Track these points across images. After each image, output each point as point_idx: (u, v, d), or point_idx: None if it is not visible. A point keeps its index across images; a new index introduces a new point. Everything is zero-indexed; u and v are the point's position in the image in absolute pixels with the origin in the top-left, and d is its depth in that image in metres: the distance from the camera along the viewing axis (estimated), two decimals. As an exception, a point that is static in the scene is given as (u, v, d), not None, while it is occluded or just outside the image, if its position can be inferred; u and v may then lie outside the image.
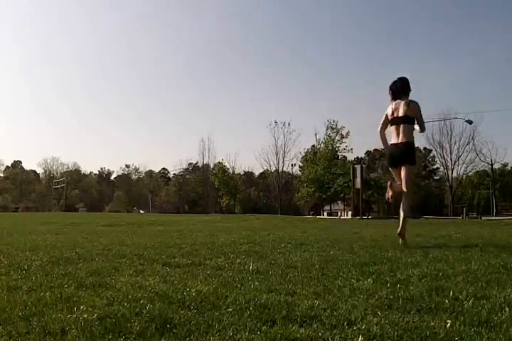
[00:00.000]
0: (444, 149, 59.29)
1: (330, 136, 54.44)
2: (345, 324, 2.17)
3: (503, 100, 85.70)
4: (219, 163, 70.37)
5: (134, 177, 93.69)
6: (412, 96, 5.90)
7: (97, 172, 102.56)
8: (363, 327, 2.11)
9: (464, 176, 63.99)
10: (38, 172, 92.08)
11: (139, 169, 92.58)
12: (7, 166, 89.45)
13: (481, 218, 31.68)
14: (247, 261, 4.30)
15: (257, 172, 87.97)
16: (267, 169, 71.72)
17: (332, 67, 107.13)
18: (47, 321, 2.22)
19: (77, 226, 13.77)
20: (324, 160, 52.85)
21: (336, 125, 54.13)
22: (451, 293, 2.77)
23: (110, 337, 2.02)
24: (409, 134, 5.77)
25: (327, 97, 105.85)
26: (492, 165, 58.21)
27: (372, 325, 2.14)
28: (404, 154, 5.82)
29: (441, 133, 58.17)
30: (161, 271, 3.77)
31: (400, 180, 5.87)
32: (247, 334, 2.04)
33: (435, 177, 72.41)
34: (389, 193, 5.99)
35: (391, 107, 5.89)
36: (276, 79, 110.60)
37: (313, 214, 48.69)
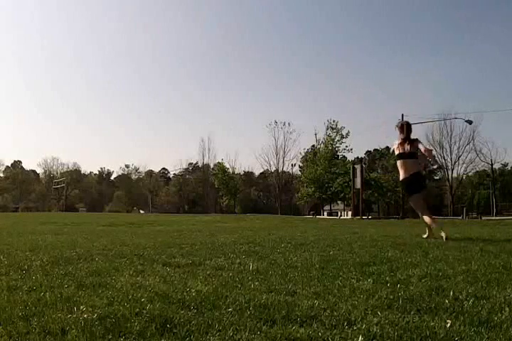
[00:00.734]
0: (444, 149, 59.24)
1: (330, 136, 54.31)
2: (345, 324, 2.17)
3: (503, 100, 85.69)
4: (219, 163, 70.28)
5: (134, 177, 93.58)
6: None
7: (97, 172, 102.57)
8: (363, 327, 2.11)
9: (464, 176, 63.95)
10: (38, 172, 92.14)
11: (138, 169, 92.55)
12: (7, 166, 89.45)
13: (481, 218, 31.67)
14: (247, 261, 4.30)
15: (257, 172, 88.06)
16: (267, 169, 71.85)
17: (332, 67, 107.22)
18: (47, 321, 2.22)
19: (77, 226, 13.77)
20: (324, 160, 52.76)
21: (336, 125, 54.02)
22: (451, 293, 2.77)
23: (110, 337, 2.02)
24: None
25: (327, 97, 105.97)
26: (492, 165, 58.23)
27: (372, 325, 2.14)
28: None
29: (441, 133, 58.11)
30: (161, 271, 3.77)
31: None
32: (247, 334, 2.04)
33: (435, 177, 72.36)
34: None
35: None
36: (276, 79, 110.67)
37: (313, 214, 48.64)
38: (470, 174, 65.02)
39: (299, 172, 65.81)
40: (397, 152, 7.02)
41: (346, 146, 54.22)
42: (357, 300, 2.62)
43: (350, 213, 41.27)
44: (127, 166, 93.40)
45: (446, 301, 2.56)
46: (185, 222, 17.08)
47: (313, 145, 59.40)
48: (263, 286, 3.05)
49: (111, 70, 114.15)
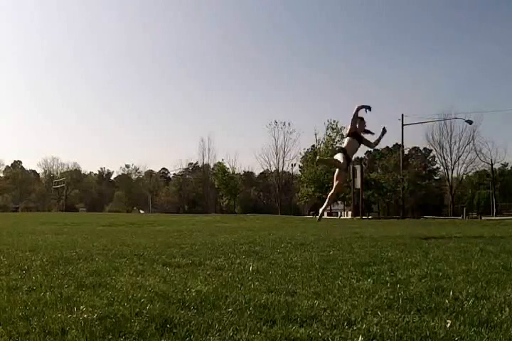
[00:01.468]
0: (444, 149, 59.17)
1: (330, 136, 54.31)
2: (345, 324, 2.17)
3: (503, 100, 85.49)
4: (219, 163, 70.25)
5: (134, 177, 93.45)
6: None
7: (97, 172, 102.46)
8: (363, 327, 2.11)
9: (464, 176, 63.91)
10: (38, 172, 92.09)
11: (138, 169, 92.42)
12: (7, 166, 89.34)
13: (481, 218, 31.64)
14: (247, 261, 4.30)
15: (257, 172, 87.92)
16: (267, 169, 71.72)
17: (332, 67, 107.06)
18: (47, 321, 2.22)
19: (77, 226, 13.77)
20: (324, 160, 52.76)
21: (337, 125, 53.97)
22: (451, 293, 2.77)
23: (110, 337, 2.02)
24: None
25: (327, 97, 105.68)
26: (492, 165, 58.12)
27: (372, 325, 2.14)
28: None
29: (441, 133, 58.03)
30: (161, 271, 3.77)
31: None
32: (247, 334, 2.04)
33: (435, 177, 72.30)
34: None
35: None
36: (276, 79, 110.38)
37: (313, 214, 48.57)
38: (470, 174, 64.95)
39: (299, 172, 65.74)
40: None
41: (346, 146, 54.19)
42: (357, 300, 2.62)
43: (350, 213, 41.28)
44: (127, 166, 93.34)
45: (446, 301, 2.56)
46: (185, 222, 17.09)
47: (313, 145, 59.39)
48: (263, 286, 3.05)
49: (111, 70, 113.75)
